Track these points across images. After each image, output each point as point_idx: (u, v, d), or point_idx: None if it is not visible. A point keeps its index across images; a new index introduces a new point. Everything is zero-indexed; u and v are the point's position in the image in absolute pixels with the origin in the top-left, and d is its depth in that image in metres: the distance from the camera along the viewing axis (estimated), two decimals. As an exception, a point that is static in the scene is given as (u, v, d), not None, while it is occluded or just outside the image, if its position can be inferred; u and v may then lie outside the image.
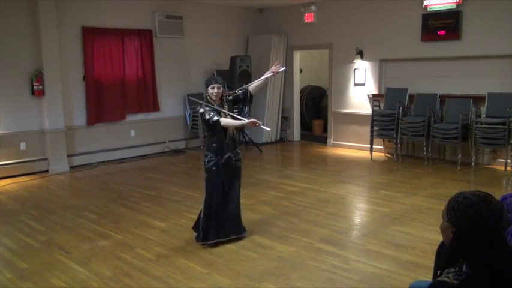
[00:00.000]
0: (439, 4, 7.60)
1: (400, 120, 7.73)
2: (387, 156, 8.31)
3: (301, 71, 10.52)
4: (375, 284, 3.51)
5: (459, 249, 1.71)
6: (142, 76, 8.65)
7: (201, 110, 4.17)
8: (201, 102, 4.23)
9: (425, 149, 7.48)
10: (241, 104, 4.60)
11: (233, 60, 9.10)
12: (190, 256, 4.08)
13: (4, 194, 6.32)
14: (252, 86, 4.44)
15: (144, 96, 8.70)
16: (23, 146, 7.33)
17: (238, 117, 4.21)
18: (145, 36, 8.60)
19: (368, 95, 8.76)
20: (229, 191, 4.28)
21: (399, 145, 7.87)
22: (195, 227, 4.40)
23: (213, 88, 4.17)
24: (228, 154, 4.21)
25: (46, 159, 7.53)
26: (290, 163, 8.80)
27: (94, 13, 7.96)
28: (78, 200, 5.97)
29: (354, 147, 9.00)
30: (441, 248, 2.02)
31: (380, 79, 8.62)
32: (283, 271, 3.74)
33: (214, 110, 4.13)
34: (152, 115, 8.92)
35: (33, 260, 4.07)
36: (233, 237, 4.34)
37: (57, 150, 7.53)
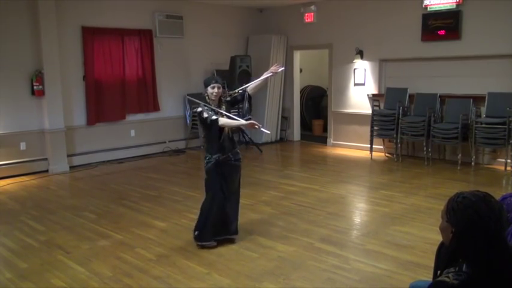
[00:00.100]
0: (439, 4, 7.60)
1: (400, 120, 7.73)
2: (387, 156, 8.31)
3: (301, 71, 10.52)
4: (375, 284, 3.51)
5: (459, 249, 1.71)
6: (142, 76, 8.65)
7: (199, 109, 4.15)
8: (199, 102, 4.22)
9: (425, 148, 7.48)
10: (240, 105, 4.56)
11: (233, 60, 9.10)
12: (190, 256, 4.08)
13: (4, 194, 6.32)
14: (251, 86, 4.43)
15: (144, 96, 8.70)
16: (23, 146, 7.33)
17: (236, 117, 4.21)
18: (145, 36, 8.60)
19: (368, 95, 8.76)
20: (229, 191, 4.27)
21: (399, 145, 7.87)
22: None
23: (213, 88, 4.16)
24: (227, 154, 4.21)
25: (46, 159, 7.53)
26: (290, 163, 8.80)
27: (94, 13, 7.96)
28: (78, 200, 5.97)
29: (354, 147, 9.00)
30: (441, 248, 2.02)
31: (380, 79, 8.62)
32: (283, 271, 3.74)
33: (212, 110, 4.12)
34: (152, 115, 8.93)
35: (33, 260, 4.07)
36: (226, 236, 4.32)
37: (57, 150, 7.53)
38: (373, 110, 8.31)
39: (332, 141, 9.49)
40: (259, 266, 3.85)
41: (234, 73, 8.96)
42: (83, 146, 8.05)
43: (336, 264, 3.84)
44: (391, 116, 7.89)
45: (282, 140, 10.33)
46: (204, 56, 9.52)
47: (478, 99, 7.26)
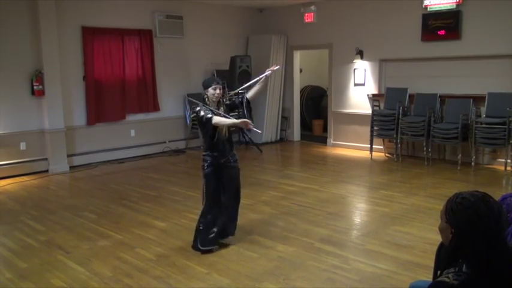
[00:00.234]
0: (439, 4, 7.60)
1: (400, 120, 7.73)
2: (387, 156, 8.31)
3: (301, 71, 10.52)
4: (375, 284, 3.51)
5: (458, 249, 1.71)
6: (142, 76, 8.65)
7: (197, 108, 4.14)
8: (198, 102, 4.22)
9: (425, 149, 7.48)
10: (240, 109, 4.52)
11: (233, 60, 9.10)
12: (190, 256, 4.08)
13: (4, 194, 6.32)
14: (251, 93, 4.39)
15: (144, 96, 8.70)
16: (23, 146, 7.33)
17: (230, 116, 4.20)
18: (145, 36, 8.60)
19: (368, 95, 8.76)
20: (228, 194, 4.25)
21: (399, 145, 7.87)
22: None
23: (214, 89, 4.13)
24: (226, 158, 4.19)
25: (46, 159, 7.53)
26: (290, 163, 8.80)
27: (94, 13, 7.97)
28: (78, 200, 5.97)
29: (354, 147, 9.00)
30: (441, 248, 2.02)
31: (380, 79, 8.62)
32: (283, 271, 3.74)
33: (209, 110, 4.11)
34: (152, 115, 8.93)
35: (33, 260, 4.07)
36: (224, 241, 4.31)
37: (57, 150, 7.53)
38: (373, 110, 8.31)
39: (332, 141, 9.49)
40: (259, 266, 3.85)
41: (234, 73, 8.96)
42: (83, 146, 8.05)
43: (335, 264, 3.84)
44: (391, 116, 7.89)
45: (282, 140, 10.33)
46: (204, 56, 9.52)
47: (478, 99, 7.26)
